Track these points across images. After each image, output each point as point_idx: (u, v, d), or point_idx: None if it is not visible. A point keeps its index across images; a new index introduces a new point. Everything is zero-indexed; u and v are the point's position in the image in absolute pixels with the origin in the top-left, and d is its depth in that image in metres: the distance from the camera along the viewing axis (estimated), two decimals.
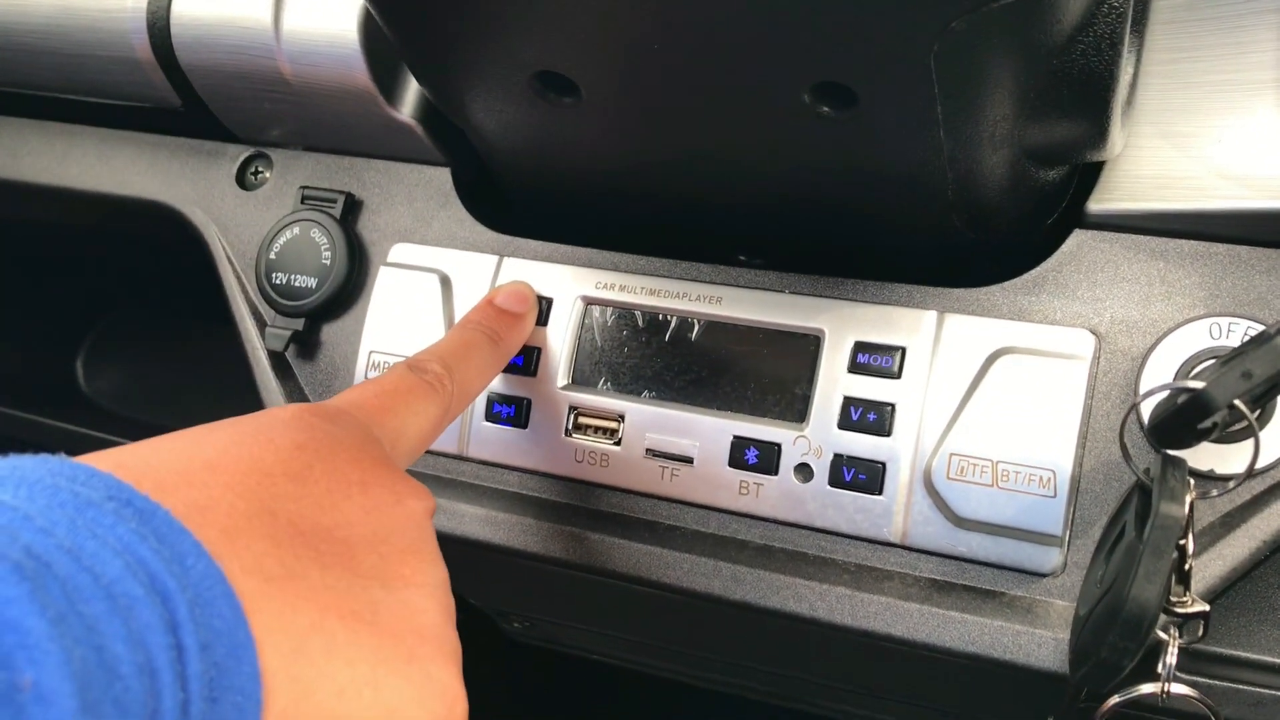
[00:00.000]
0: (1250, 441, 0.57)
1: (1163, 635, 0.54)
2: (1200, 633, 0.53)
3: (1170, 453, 0.51)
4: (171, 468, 0.40)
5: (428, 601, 0.44)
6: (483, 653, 1.43)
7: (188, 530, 0.36)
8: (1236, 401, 0.47)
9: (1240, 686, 0.67)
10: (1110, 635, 0.48)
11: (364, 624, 0.40)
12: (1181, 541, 0.50)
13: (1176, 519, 0.47)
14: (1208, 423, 0.48)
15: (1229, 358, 0.49)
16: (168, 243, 0.87)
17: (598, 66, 0.56)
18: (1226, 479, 0.58)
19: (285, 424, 0.46)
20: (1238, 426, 0.51)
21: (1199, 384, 0.48)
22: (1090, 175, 0.63)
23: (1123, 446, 0.55)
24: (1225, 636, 0.70)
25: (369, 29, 0.71)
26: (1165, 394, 0.52)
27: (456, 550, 0.72)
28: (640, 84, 0.57)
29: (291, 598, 0.38)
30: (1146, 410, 0.57)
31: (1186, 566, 0.51)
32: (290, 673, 0.37)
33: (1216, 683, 0.67)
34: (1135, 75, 0.62)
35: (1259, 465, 0.58)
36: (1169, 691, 0.54)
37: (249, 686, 0.35)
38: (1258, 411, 0.57)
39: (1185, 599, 0.52)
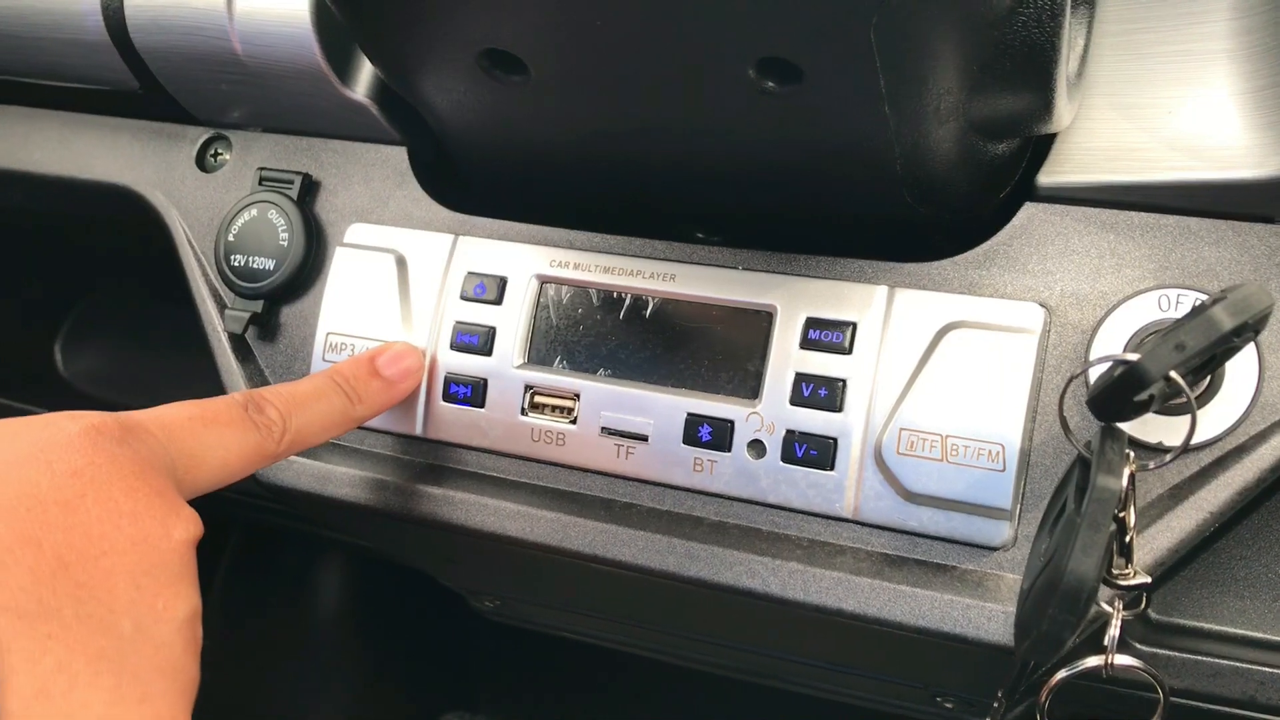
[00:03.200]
0: (1202, 411, 0.57)
1: (1106, 608, 0.54)
2: (1142, 605, 0.53)
3: (1110, 425, 0.51)
4: None
5: (175, 636, 0.45)
6: (457, 632, 1.44)
7: None
8: (1172, 374, 0.47)
9: (1199, 658, 0.67)
10: (1050, 608, 0.48)
11: (108, 663, 0.42)
12: (1121, 514, 0.50)
13: (1113, 491, 0.47)
14: (1144, 395, 0.48)
15: (1167, 330, 0.48)
16: (133, 226, 0.86)
17: (543, 44, 0.56)
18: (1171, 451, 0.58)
19: (68, 444, 0.46)
20: (1179, 399, 0.51)
21: (1134, 356, 0.47)
22: (1043, 148, 0.63)
23: (1062, 420, 0.55)
24: (1189, 608, 0.70)
25: (321, 8, 0.71)
26: (1107, 366, 0.52)
27: (420, 531, 0.72)
28: (586, 62, 0.57)
29: (42, 637, 0.40)
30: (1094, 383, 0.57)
31: (1128, 539, 0.51)
32: (28, 715, 0.39)
33: (1176, 654, 0.67)
34: (1086, 46, 0.62)
35: (1208, 437, 0.58)
36: (1113, 663, 0.54)
37: None
38: (1205, 383, 0.57)
39: (1127, 571, 0.52)
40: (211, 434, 0.54)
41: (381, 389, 0.66)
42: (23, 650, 0.39)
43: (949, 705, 0.84)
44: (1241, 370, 0.57)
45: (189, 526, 0.48)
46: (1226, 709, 0.67)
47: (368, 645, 1.46)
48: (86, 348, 1.27)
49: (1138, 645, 0.68)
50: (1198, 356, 0.47)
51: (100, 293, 1.27)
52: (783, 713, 1.25)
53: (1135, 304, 0.59)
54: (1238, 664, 0.66)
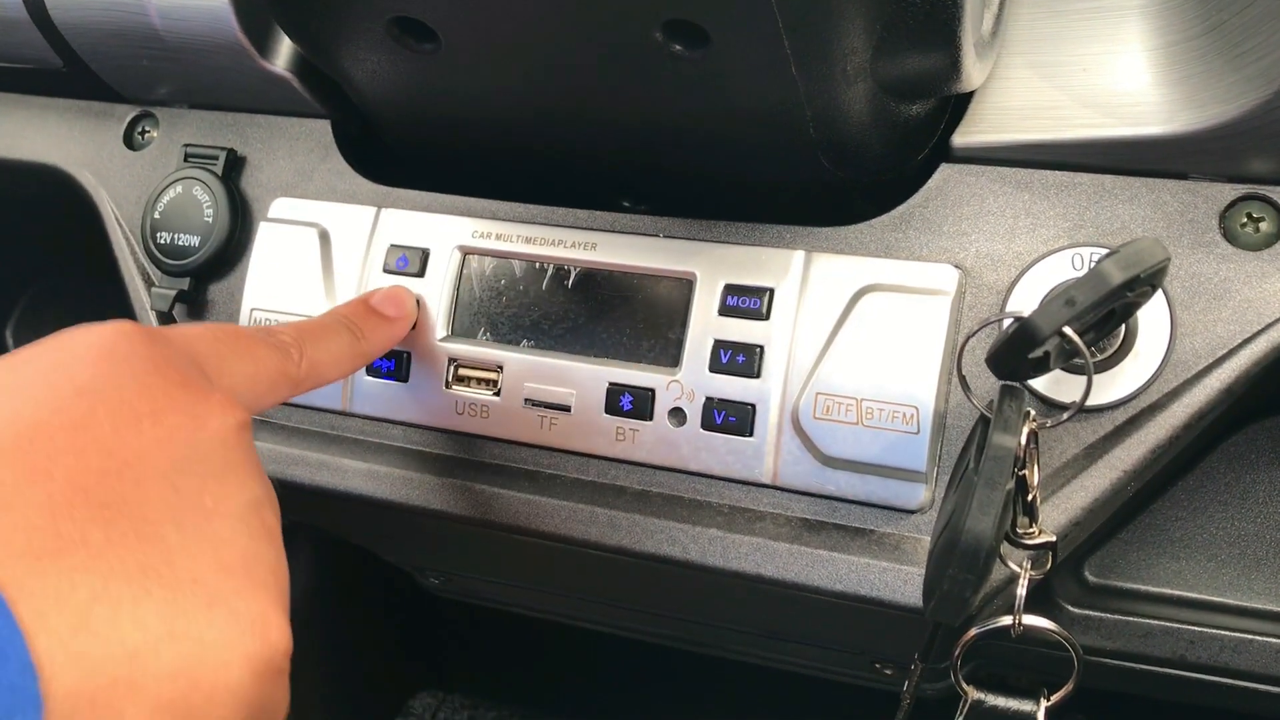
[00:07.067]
0: (1115, 369, 0.57)
1: (1015, 568, 0.54)
2: (1048, 565, 0.53)
3: (1008, 384, 0.51)
4: None
5: (234, 528, 0.41)
6: (427, 612, 1.43)
7: None
8: (1067, 330, 0.47)
9: (1131, 619, 0.67)
10: (950, 568, 0.48)
11: (154, 576, 0.38)
12: (1022, 472, 0.50)
13: (1008, 449, 0.47)
14: (1038, 352, 0.48)
15: (1061, 287, 0.48)
16: (67, 207, 0.86)
17: (450, 10, 0.55)
18: (1095, 410, 0.58)
19: (73, 363, 0.42)
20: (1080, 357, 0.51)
21: (1023, 313, 0.47)
22: (963, 108, 0.63)
23: (961, 379, 0.55)
24: (1125, 570, 0.70)
25: None
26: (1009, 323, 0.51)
27: (351, 507, 0.72)
28: (494, 28, 0.56)
29: (68, 571, 0.36)
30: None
31: (1030, 497, 0.51)
32: (71, 652, 0.35)
33: (1108, 616, 0.67)
34: (1002, 4, 0.62)
35: (1121, 395, 0.58)
36: (1022, 623, 0.54)
37: (20, 681, 0.33)
38: (1118, 342, 0.57)
39: (1032, 530, 0.52)
40: (238, 348, 0.51)
41: (383, 325, 0.64)
42: (45, 593, 0.35)
43: (888, 672, 0.84)
44: (1154, 328, 0.57)
45: (226, 413, 0.44)
46: (1158, 669, 0.67)
47: (337, 628, 1.46)
48: (37, 336, 1.26)
49: (1070, 608, 0.68)
50: (1091, 312, 0.46)
51: (49, 279, 1.26)
52: (735, 684, 1.26)
53: (1049, 263, 0.59)
54: (1169, 624, 0.66)
